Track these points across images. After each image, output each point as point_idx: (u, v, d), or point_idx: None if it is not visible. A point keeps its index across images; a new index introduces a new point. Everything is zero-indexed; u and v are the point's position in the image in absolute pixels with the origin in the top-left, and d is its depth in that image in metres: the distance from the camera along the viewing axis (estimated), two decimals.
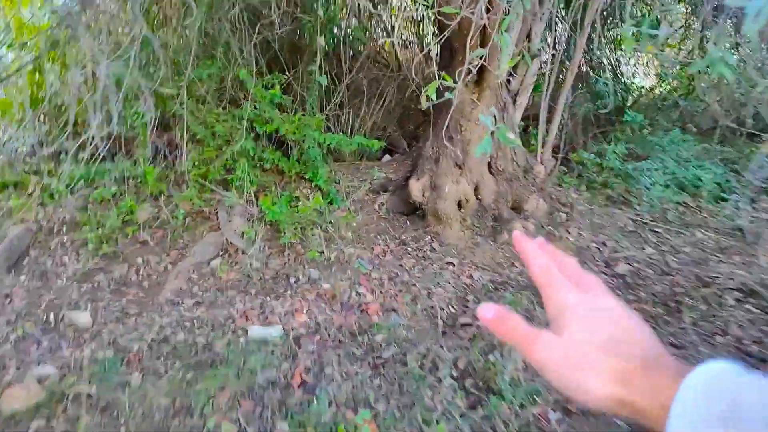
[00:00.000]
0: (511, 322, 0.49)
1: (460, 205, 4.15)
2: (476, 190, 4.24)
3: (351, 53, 4.97)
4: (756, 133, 6.11)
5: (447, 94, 2.09)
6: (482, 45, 3.15)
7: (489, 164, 4.35)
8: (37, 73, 4.00)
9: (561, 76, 5.33)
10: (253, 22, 4.01)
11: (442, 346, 2.74)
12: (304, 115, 4.15)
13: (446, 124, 4.12)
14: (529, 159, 4.64)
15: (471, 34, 2.50)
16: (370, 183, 4.36)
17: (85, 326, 2.79)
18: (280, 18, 4.03)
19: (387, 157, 4.85)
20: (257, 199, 3.77)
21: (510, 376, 2.39)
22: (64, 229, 3.46)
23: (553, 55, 5.24)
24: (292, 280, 3.37)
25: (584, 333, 0.46)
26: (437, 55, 5.13)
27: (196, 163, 3.71)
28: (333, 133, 4.75)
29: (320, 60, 3.89)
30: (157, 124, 4.16)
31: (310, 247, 3.60)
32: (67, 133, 3.93)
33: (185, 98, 3.62)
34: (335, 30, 4.74)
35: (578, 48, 4.67)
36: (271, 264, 3.50)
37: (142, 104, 2.92)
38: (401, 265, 3.63)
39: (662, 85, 6.96)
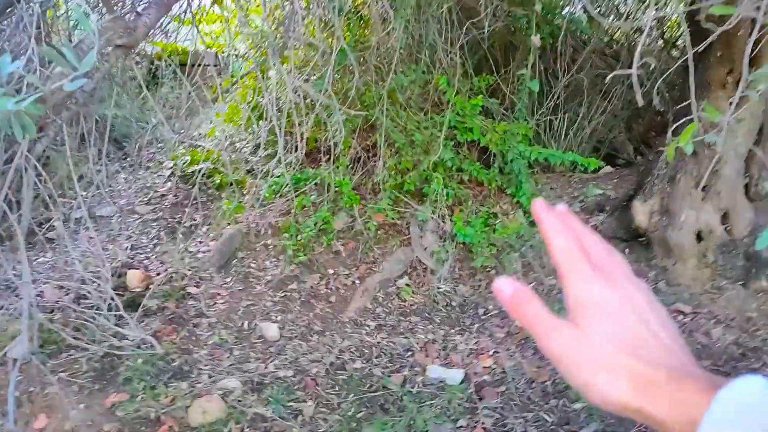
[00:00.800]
0: (531, 306, 0.44)
1: (699, 237, 3.31)
2: (724, 218, 3.34)
3: (572, 46, 4.33)
4: None
5: (707, 138, 1.51)
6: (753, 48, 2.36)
7: (746, 186, 3.40)
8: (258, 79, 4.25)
9: None
10: (461, 20, 3.68)
11: None
12: (511, 120, 3.72)
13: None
14: None
15: (752, 38, 1.81)
16: (584, 200, 3.75)
17: (273, 339, 2.84)
18: (492, 13, 3.64)
19: (607, 167, 4.14)
20: (452, 213, 3.48)
21: None
22: (269, 232, 3.62)
23: None
24: (480, 311, 3.03)
25: (606, 331, 0.41)
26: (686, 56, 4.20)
27: (392, 173, 3.56)
28: (543, 138, 4.23)
29: (533, 60, 3.40)
30: (363, 128, 4.14)
31: (505, 274, 3.21)
32: (277, 138, 4.13)
33: (386, 104, 3.47)
34: (556, 20, 4.16)
35: None
36: (459, 289, 3.20)
37: (334, 120, 2.83)
38: None
39: None
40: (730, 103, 1.72)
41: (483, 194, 3.75)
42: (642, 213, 3.42)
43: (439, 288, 3.16)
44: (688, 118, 1.80)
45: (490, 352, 2.73)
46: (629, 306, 0.42)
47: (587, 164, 3.43)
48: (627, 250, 3.50)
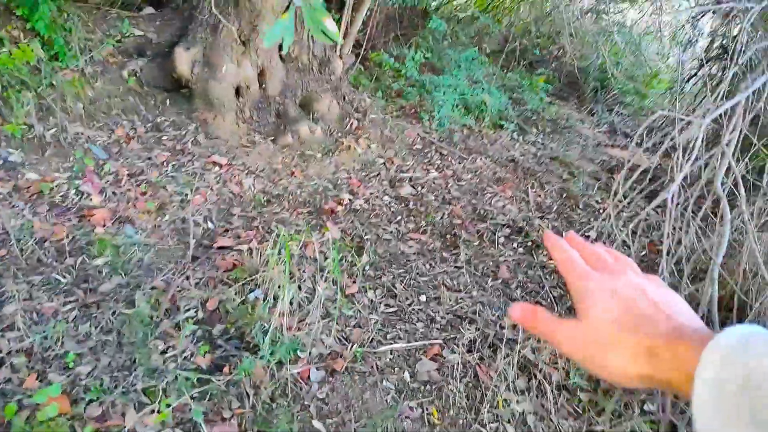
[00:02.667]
0: (538, 316, 0.49)
1: (238, 92, 3.38)
2: (261, 76, 3.50)
3: None
4: (534, 63, 6.50)
5: None
6: None
7: (280, 47, 3.61)
8: None
9: None
10: None
11: (188, 278, 2.13)
12: None
13: None
14: (327, 50, 4.00)
15: None
16: (121, 40, 3.27)
17: None
18: None
19: (149, 8, 3.71)
20: None
21: (271, 326, 1.92)
22: None
23: None
24: None
25: (606, 315, 0.44)
26: None
27: None
28: None
29: None
30: None
31: (12, 117, 2.53)
32: None
33: None
34: None
35: None
36: None
37: None
38: (150, 159, 2.81)
39: None
40: None
41: None
42: (184, 61, 3.23)
43: None
44: None
45: None
46: (627, 287, 0.45)
47: None
48: (168, 101, 3.29)
